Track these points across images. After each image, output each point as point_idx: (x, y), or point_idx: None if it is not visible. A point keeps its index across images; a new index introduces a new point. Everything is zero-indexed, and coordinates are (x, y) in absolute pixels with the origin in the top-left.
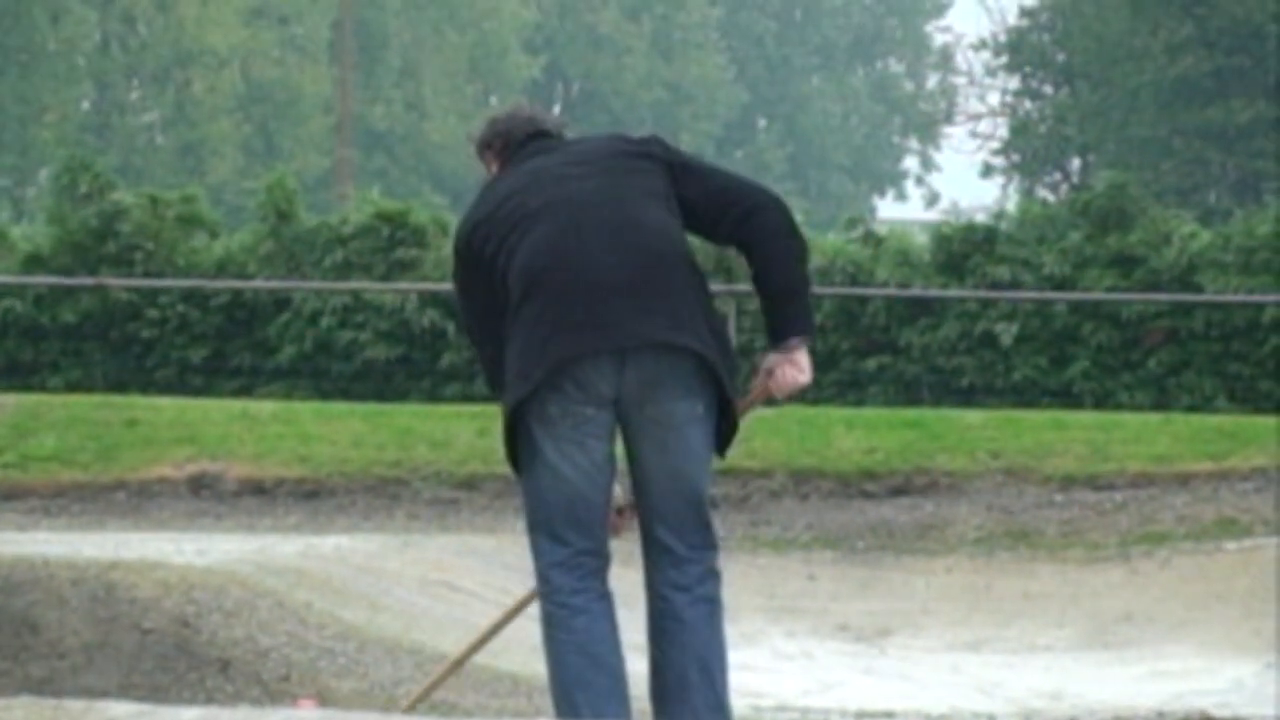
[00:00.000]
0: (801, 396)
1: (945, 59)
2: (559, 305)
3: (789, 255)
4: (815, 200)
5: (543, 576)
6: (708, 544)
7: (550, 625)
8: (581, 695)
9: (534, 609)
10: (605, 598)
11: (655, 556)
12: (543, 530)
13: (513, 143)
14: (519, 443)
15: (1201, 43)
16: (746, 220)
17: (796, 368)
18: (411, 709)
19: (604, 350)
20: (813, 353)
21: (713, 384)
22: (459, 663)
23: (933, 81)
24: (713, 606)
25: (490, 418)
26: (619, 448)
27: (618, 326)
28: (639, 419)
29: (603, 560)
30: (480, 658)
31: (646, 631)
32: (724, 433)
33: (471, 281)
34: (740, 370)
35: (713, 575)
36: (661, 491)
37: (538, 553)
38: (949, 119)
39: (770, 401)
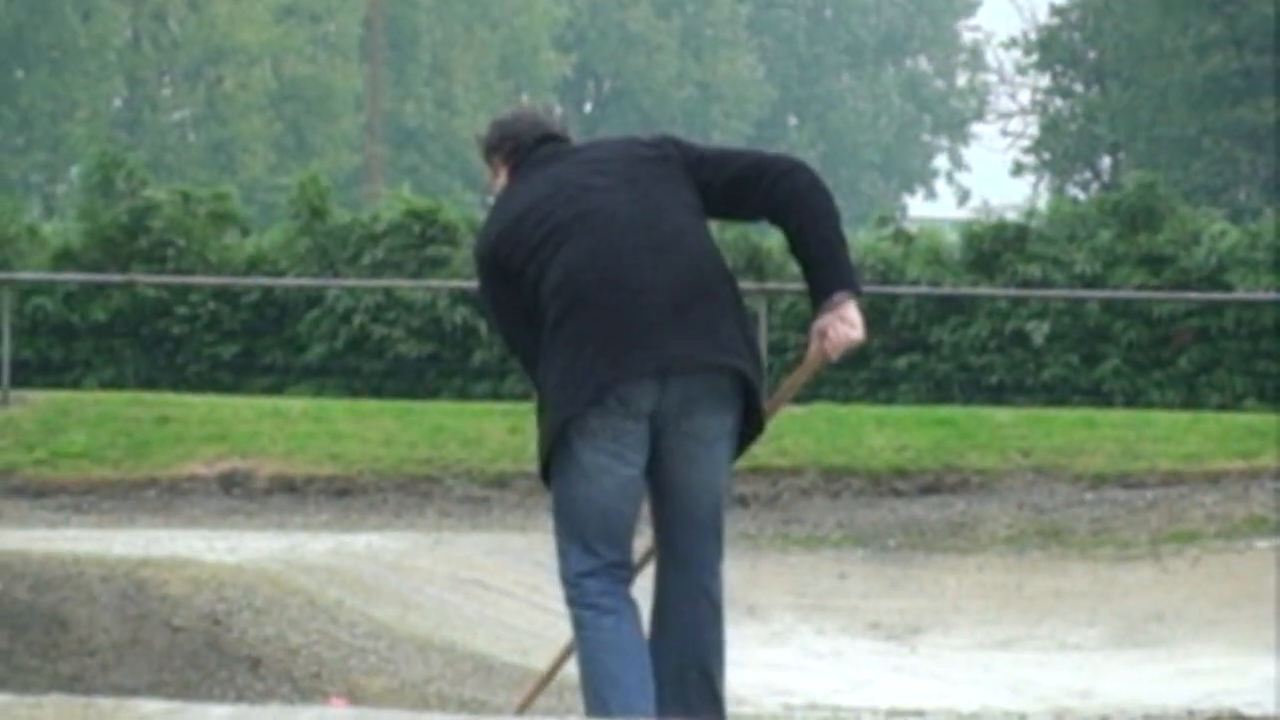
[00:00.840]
0: (832, 394)
1: (975, 56)
2: (605, 323)
3: (824, 212)
4: (846, 198)
5: (571, 583)
6: (719, 552)
7: (580, 626)
8: (610, 691)
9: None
10: (632, 602)
11: (668, 562)
12: (574, 541)
13: (522, 146)
14: (556, 453)
15: (1231, 41)
16: (776, 186)
17: (848, 323)
18: (523, 710)
19: (651, 371)
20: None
21: (745, 397)
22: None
23: (963, 79)
24: (717, 610)
25: (521, 415)
26: None
27: (665, 347)
28: (673, 432)
29: (630, 571)
30: (511, 656)
31: (649, 629)
32: (749, 436)
33: (501, 292)
34: (771, 368)
35: (717, 578)
36: (687, 502)
37: (567, 562)
38: (980, 117)
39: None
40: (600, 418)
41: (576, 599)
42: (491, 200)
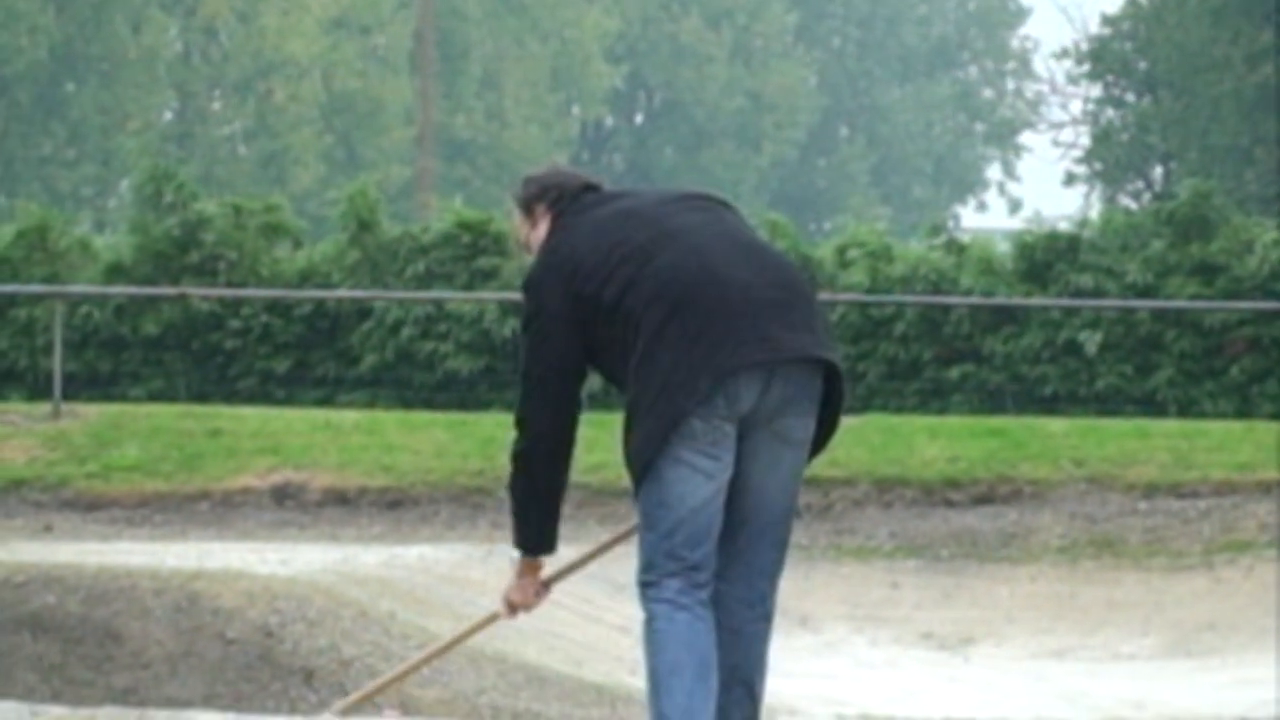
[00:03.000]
0: (884, 405)
1: (1023, 64)
2: (716, 319)
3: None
4: (898, 208)
5: (651, 582)
6: (782, 563)
7: (654, 619)
8: (676, 680)
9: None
10: (709, 608)
11: (730, 567)
12: (660, 545)
13: (567, 194)
14: (655, 454)
15: None
16: None
17: None
18: (346, 712)
19: (764, 363)
20: (895, 362)
21: (829, 398)
22: (406, 673)
23: (1011, 86)
24: (769, 622)
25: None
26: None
27: (776, 340)
28: (763, 433)
29: (710, 578)
30: (564, 667)
31: None
32: (824, 438)
33: (559, 322)
34: None
35: (775, 591)
36: (764, 506)
37: (649, 566)
38: (1030, 125)
39: None
40: (704, 419)
41: (654, 596)
42: (530, 255)
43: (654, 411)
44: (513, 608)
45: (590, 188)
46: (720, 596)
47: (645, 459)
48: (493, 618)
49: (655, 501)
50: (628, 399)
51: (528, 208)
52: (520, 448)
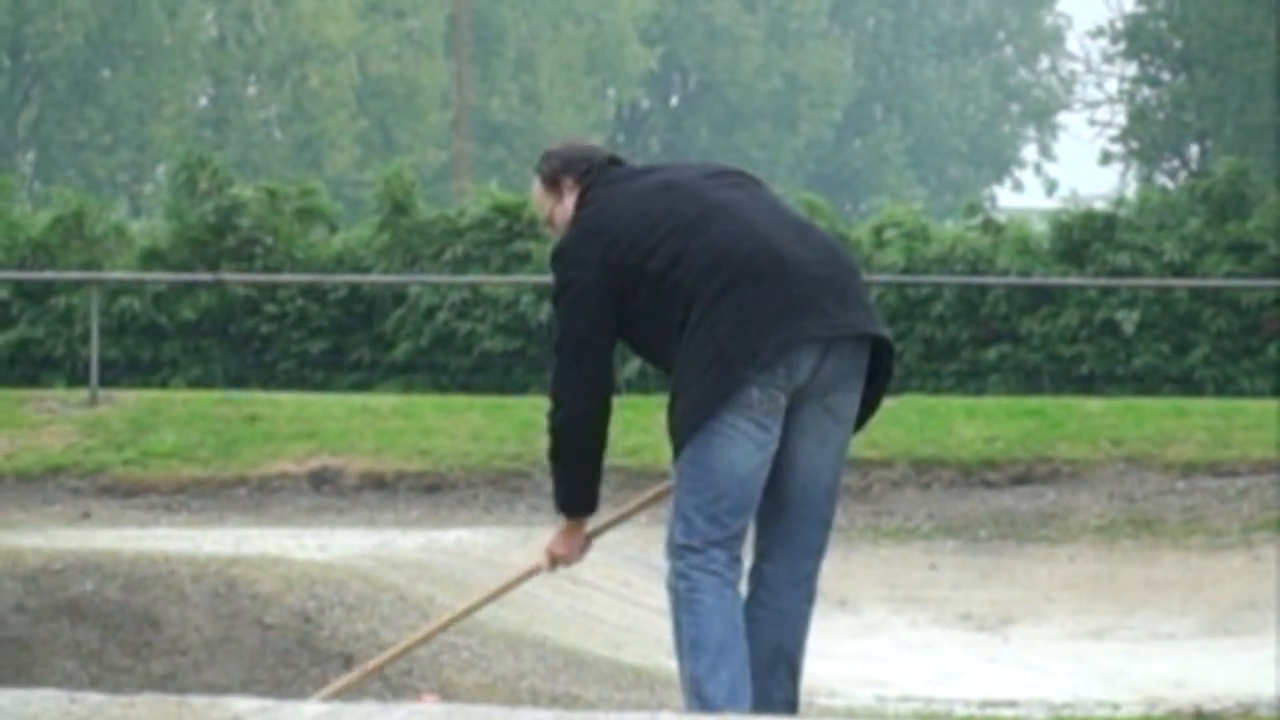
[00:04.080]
0: (921, 386)
1: (1058, 43)
2: (774, 292)
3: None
4: (934, 189)
5: (696, 549)
6: (826, 543)
7: (698, 590)
8: (724, 661)
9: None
10: (741, 583)
11: (775, 547)
12: (704, 510)
13: (595, 166)
14: (708, 418)
15: None
16: None
17: None
18: (332, 696)
19: (822, 338)
20: (932, 342)
21: (874, 374)
22: (434, 632)
23: (1046, 65)
24: (812, 602)
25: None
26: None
27: (832, 315)
28: (813, 408)
29: (742, 547)
30: (603, 651)
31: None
32: (870, 411)
33: (592, 292)
34: None
35: (818, 571)
36: (812, 483)
37: (692, 528)
38: (1066, 105)
39: None
40: (762, 388)
41: (701, 564)
42: (556, 231)
43: (709, 378)
44: (554, 560)
45: (615, 161)
46: (765, 577)
47: (694, 423)
48: (534, 570)
49: (704, 466)
50: (676, 367)
51: (554, 181)
52: (557, 421)
